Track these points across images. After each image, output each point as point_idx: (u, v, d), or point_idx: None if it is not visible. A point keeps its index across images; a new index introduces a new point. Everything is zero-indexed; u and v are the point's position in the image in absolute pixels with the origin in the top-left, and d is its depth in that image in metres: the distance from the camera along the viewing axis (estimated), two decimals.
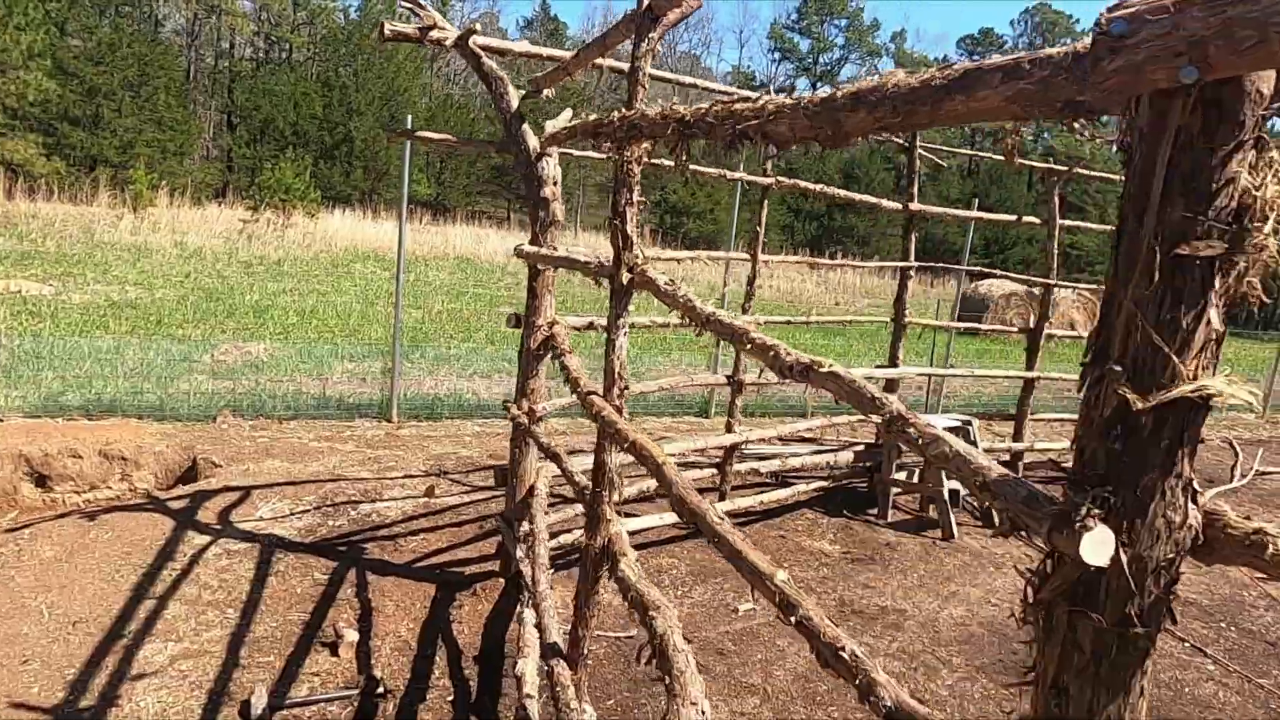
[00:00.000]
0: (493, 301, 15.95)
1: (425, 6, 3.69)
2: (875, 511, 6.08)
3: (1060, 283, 6.72)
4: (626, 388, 2.38)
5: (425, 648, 3.67)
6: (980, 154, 7.64)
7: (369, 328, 11.79)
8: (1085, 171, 6.92)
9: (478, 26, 3.64)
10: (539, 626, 2.64)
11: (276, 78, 35.59)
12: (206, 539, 4.49)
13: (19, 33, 18.00)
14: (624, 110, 2.30)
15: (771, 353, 1.59)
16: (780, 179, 5.19)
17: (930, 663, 3.99)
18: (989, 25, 58.86)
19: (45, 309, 10.43)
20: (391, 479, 5.75)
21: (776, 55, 54.71)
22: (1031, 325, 6.89)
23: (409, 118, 6.97)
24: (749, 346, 1.68)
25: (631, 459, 2.18)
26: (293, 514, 4.95)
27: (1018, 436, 6.98)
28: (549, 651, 2.47)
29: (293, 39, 41.53)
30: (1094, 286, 7.56)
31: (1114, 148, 0.99)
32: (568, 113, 4.08)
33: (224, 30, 40.67)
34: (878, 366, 6.43)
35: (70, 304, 11.08)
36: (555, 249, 3.80)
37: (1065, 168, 6.54)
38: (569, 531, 4.52)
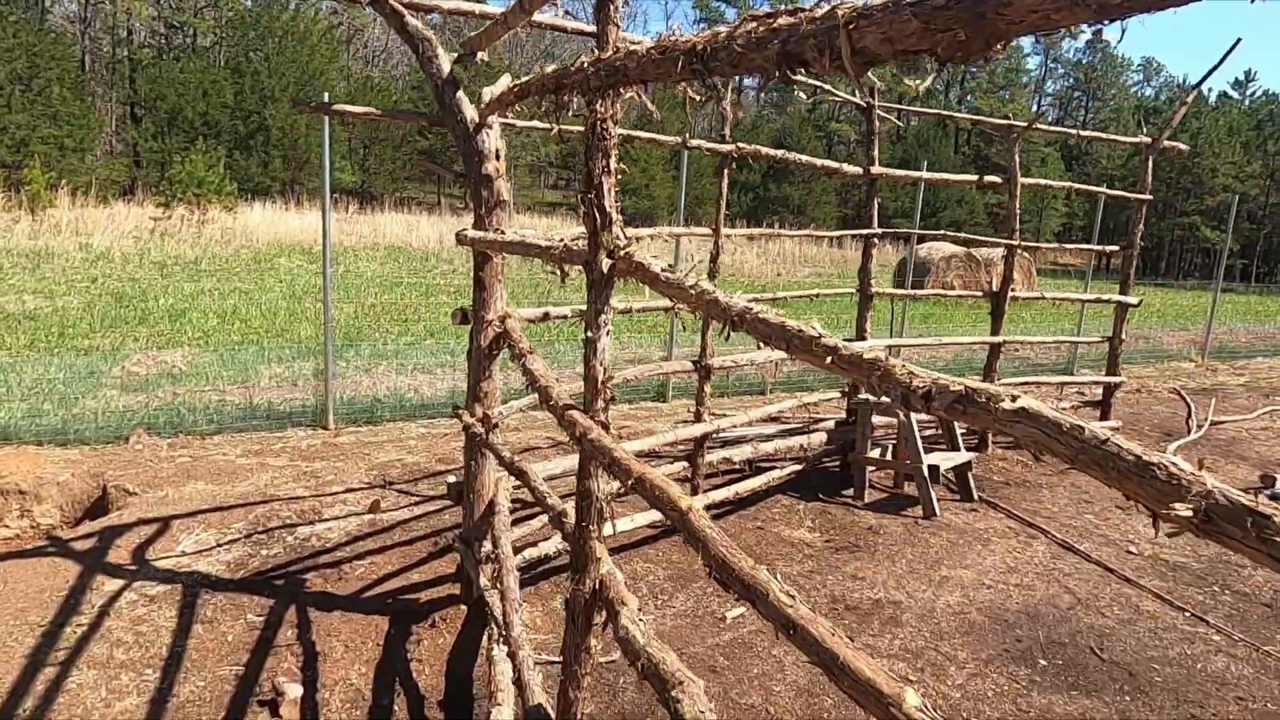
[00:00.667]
0: (429, 291, 15.26)
1: None
2: (851, 493, 5.81)
3: (1024, 243, 6.50)
4: (612, 398, 1.97)
5: (381, 696, 3.22)
6: (953, 114, 7.34)
7: (298, 326, 11.06)
8: (1045, 128, 6.69)
9: None
10: (518, 683, 2.21)
11: (181, 65, 33.60)
12: (119, 583, 3.93)
13: None
14: (595, 55, 1.86)
15: (827, 352, 1.20)
16: (740, 145, 4.78)
17: (936, 660, 3.71)
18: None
19: None
20: (331, 495, 5.22)
21: (704, 25, 54.29)
22: (995, 289, 6.68)
23: (325, 96, 6.32)
24: (799, 345, 1.28)
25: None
26: (220, 545, 4.41)
27: None
28: (534, 717, 2.05)
29: (196, 23, 39.31)
30: (1052, 245, 7.38)
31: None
32: (506, 78, 3.60)
33: (120, 16, 38.22)
34: (846, 339, 6.11)
35: None
36: (503, 232, 3.33)
37: (1024, 124, 6.29)
38: (534, 544, 4.10)
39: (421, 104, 37.76)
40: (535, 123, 4.45)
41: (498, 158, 3.33)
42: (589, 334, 1.96)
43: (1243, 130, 41.32)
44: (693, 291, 1.63)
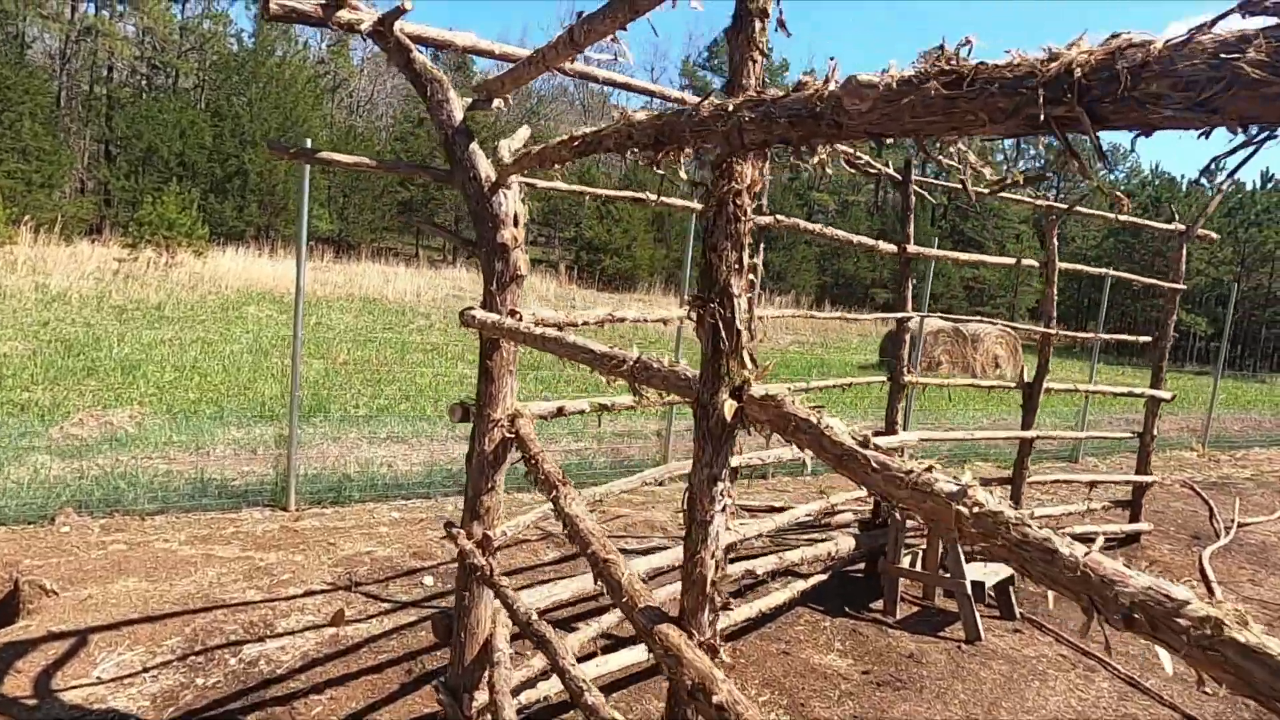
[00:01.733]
0: (404, 348, 14.55)
1: None
2: (880, 605, 5.16)
3: (1060, 332, 6.03)
4: (725, 605, 1.33)
5: None
6: (977, 189, 6.96)
7: (262, 384, 10.28)
8: (1088, 211, 6.29)
9: (409, 4, 2.56)
10: None
11: (161, 105, 33.09)
12: None
13: None
14: (726, 94, 1.28)
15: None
16: (779, 217, 4.27)
17: None
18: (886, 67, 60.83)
19: None
20: (288, 599, 4.46)
21: (689, 93, 55.11)
22: (1026, 377, 6.18)
23: (308, 142, 5.74)
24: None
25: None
26: (147, 670, 3.63)
27: (1016, 501, 6.22)
28: None
29: (179, 64, 38.98)
30: (1087, 335, 6.93)
31: None
32: (524, 130, 3.05)
33: (102, 55, 37.77)
34: (876, 433, 5.55)
35: None
36: (518, 314, 2.72)
37: (1064, 207, 5.89)
38: (533, 685, 3.38)
39: (405, 156, 37.51)
40: (558, 184, 3.88)
41: (517, 224, 2.74)
42: (695, 509, 1.33)
43: (1214, 217, 42.42)
44: (860, 457, 1.02)
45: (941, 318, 13.11)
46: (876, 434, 5.55)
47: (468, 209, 2.78)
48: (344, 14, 2.59)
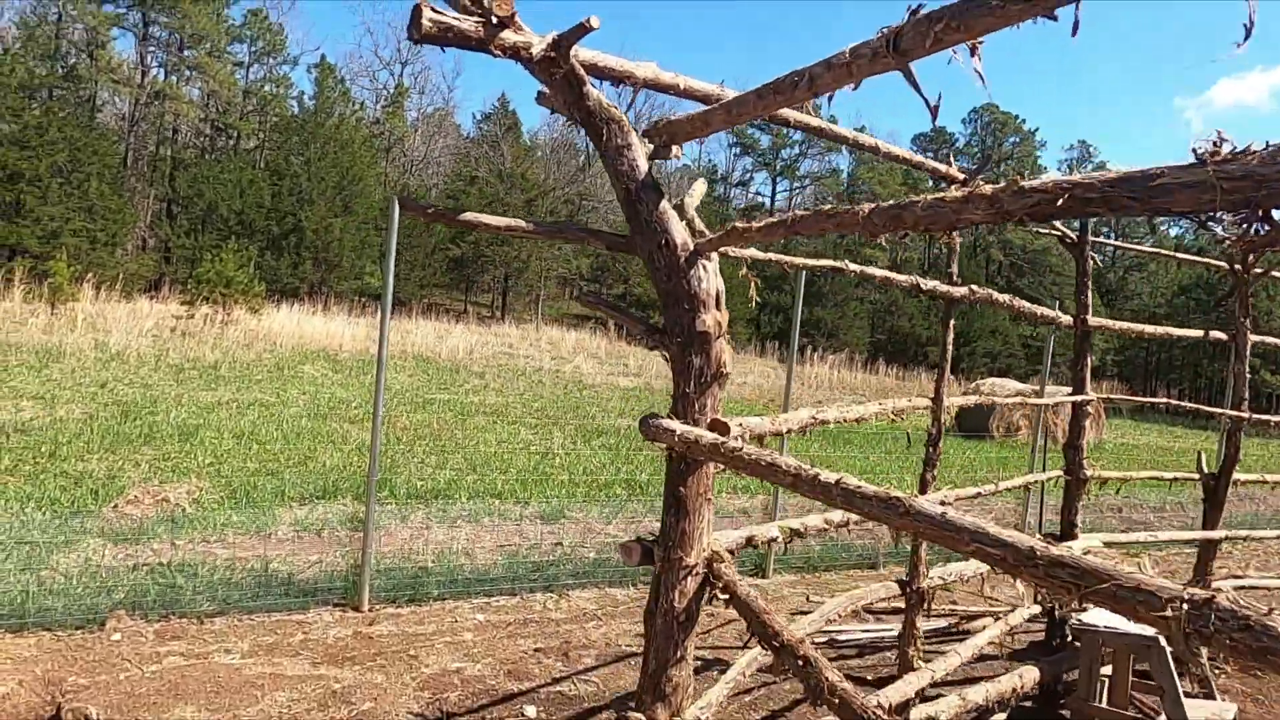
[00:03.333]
0: (464, 411, 13.98)
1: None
2: None
3: (1254, 416, 5.16)
4: None
5: None
6: (1159, 252, 6.11)
7: (322, 451, 9.73)
8: None
9: (594, 21, 1.94)
10: None
11: (223, 165, 33.84)
12: None
13: None
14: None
15: None
16: (974, 287, 3.57)
17: None
18: (941, 124, 60.87)
19: None
20: None
21: (737, 149, 55.28)
22: (1211, 469, 5.29)
23: (400, 202, 5.19)
24: None
25: None
26: None
27: None
28: None
29: (241, 126, 40.06)
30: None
31: None
32: (701, 184, 2.40)
33: (168, 117, 39.00)
34: (1046, 536, 4.70)
35: None
36: (724, 424, 2.01)
37: (1262, 270, 5.08)
38: None
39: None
40: (756, 252, 3.19)
41: (719, 305, 2.06)
42: None
43: None
44: None
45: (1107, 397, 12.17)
46: (1050, 537, 4.72)
47: (658, 285, 2.11)
48: (509, 36, 1.98)
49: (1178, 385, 45.15)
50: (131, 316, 20.89)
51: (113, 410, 10.64)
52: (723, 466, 2.09)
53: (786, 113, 2.29)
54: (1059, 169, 56.15)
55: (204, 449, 9.11)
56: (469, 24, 1.95)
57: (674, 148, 2.39)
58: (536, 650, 4.94)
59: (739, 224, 1.91)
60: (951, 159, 3.43)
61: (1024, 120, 53.81)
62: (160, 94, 38.41)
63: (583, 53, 2.14)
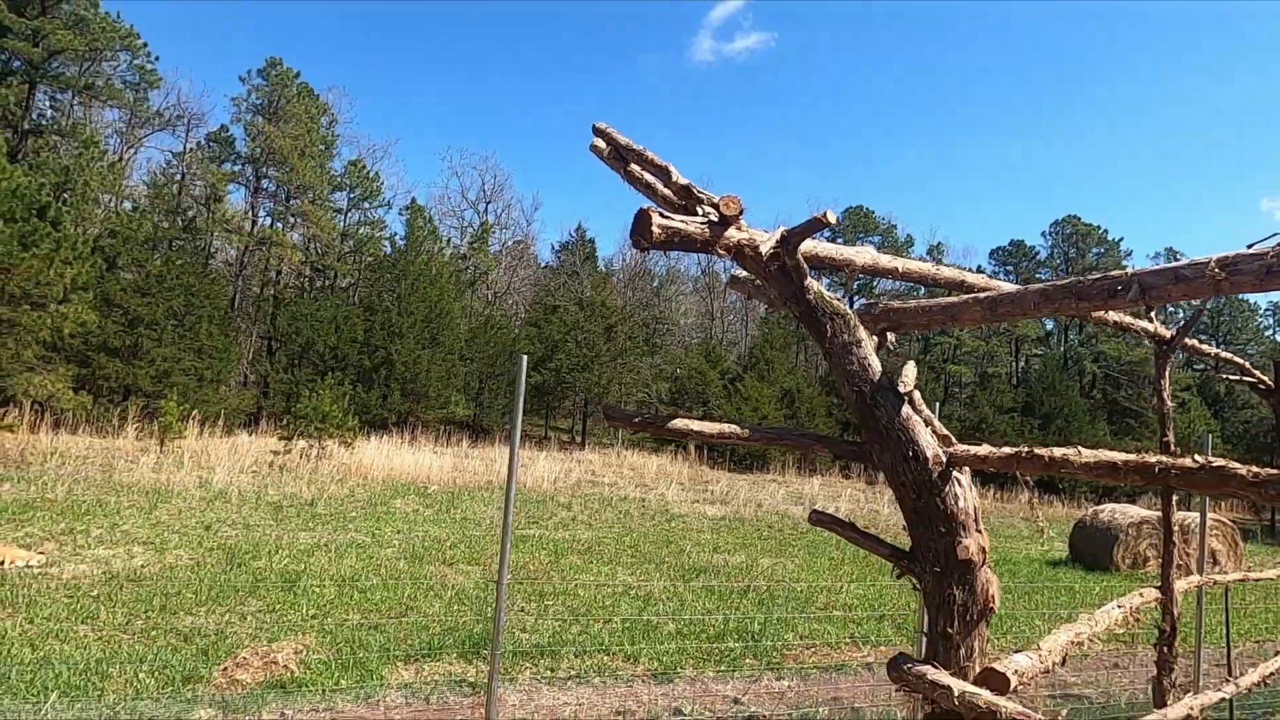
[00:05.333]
0: (557, 550, 13.63)
1: (708, 196, 1.84)
2: None
3: None
4: None
5: None
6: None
7: (422, 599, 9.47)
8: None
9: (831, 217, 1.75)
10: None
11: (320, 303, 35.71)
12: None
13: (65, 266, 17.36)
14: None
15: None
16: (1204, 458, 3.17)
17: None
18: (1019, 237, 60.24)
19: (22, 592, 8.29)
20: None
21: (815, 271, 55.73)
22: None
23: (524, 355, 5.20)
24: None
25: None
26: None
27: None
28: None
29: (338, 266, 42.49)
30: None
31: None
32: (912, 367, 2.14)
33: (273, 261, 41.73)
34: None
35: (59, 579, 8.96)
36: (1003, 678, 1.66)
37: None
38: None
39: (539, 342, 38.75)
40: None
41: (979, 525, 1.74)
42: None
43: None
44: None
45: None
46: None
47: (908, 502, 1.82)
48: (733, 234, 1.82)
49: None
50: (232, 452, 21.58)
51: (218, 555, 10.70)
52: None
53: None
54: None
55: (307, 599, 8.96)
56: (694, 226, 1.80)
57: (891, 336, 2.17)
58: None
59: (1040, 451, 1.64)
60: (1153, 314, 3.12)
61: (1106, 231, 52.87)
62: (266, 240, 41.29)
63: (810, 244, 1.97)
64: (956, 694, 1.65)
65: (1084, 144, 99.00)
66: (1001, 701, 1.59)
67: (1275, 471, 1.25)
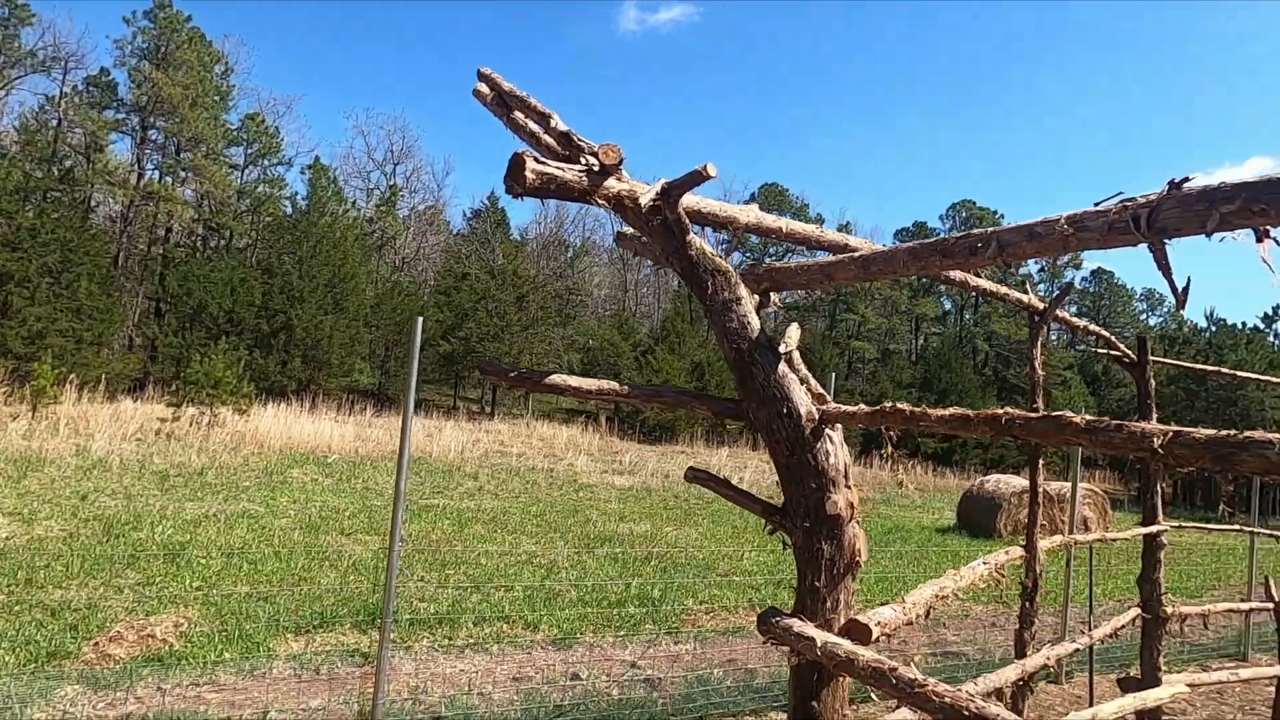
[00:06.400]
0: (461, 519, 13.46)
1: (589, 144, 1.79)
2: None
3: None
4: None
5: None
6: (1220, 371, 5.92)
7: (317, 570, 9.20)
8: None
9: (712, 170, 1.73)
10: None
11: (214, 264, 33.90)
12: None
13: None
14: None
15: None
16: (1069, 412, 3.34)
17: None
18: (921, 219, 62.50)
19: None
20: None
21: (725, 245, 56.37)
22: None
23: (420, 317, 5.00)
24: None
25: None
26: None
27: None
28: None
29: (234, 226, 40.38)
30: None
31: None
32: (795, 329, 2.16)
33: (161, 217, 39.30)
34: (1125, 680, 4.33)
35: None
36: (864, 627, 1.70)
37: None
38: None
39: (449, 311, 37.89)
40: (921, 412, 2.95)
41: (848, 481, 1.77)
42: None
43: None
44: None
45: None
46: (1133, 680, 4.34)
47: (780, 457, 1.83)
48: (613, 184, 1.77)
49: (1174, 474, 44.95)
50: (115, 419, 20.37)
51: (94, 527, 10.10)
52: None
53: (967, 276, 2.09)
54: (1037, 261, 57.41)
55: (191, 571, 8.56)
56: (572, 174, 1.74)
57: (774, 296, 2.17)
58: None
59: (902, 406, 1.67)
60: (1028, 286, 3.24)
61: (1002, 215, 55.33)
62: (154, 195, 38.78)
63: (693, 199, 1.94)
64: (819, 645, 1.68)
65: (986, 133, 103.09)
66: (860, 650, 1.63)
67: (1102, 419, 1.30)
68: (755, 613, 9.33)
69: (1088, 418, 1.29)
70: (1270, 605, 5.02)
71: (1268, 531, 5.66)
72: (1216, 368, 5.07)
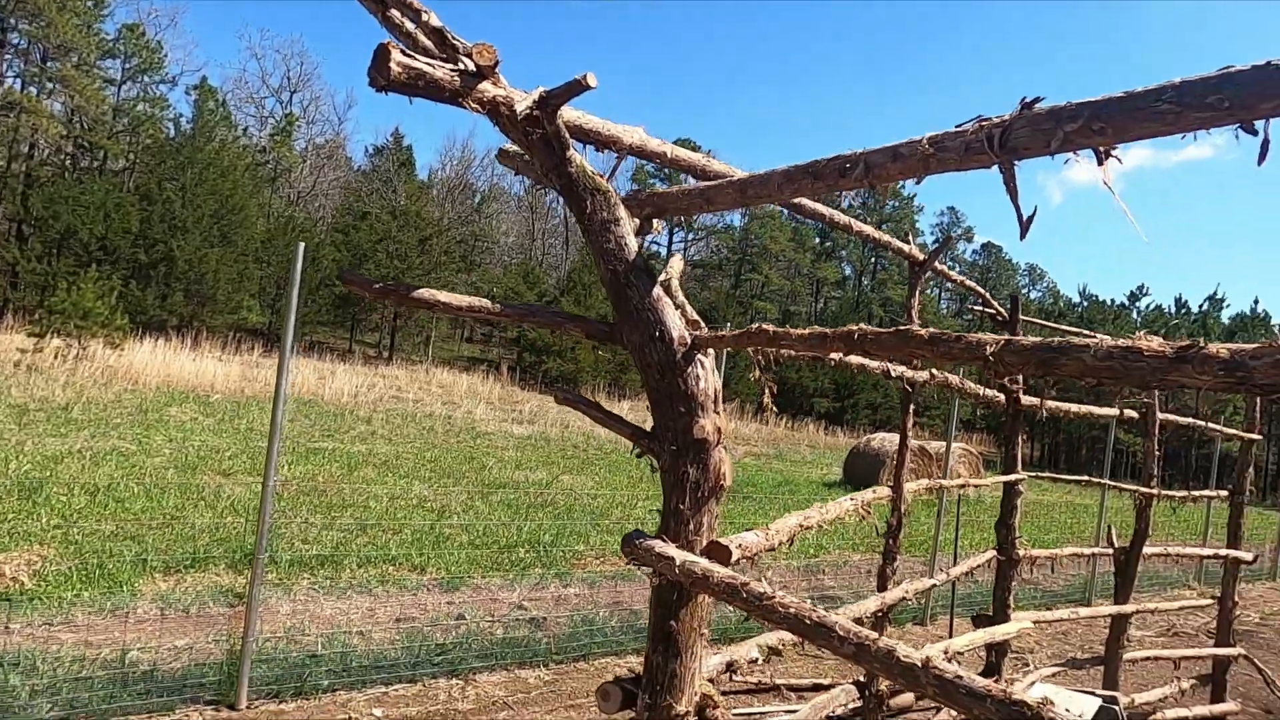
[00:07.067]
0: (351, 463, 13.11)
1: (464, 44, 1.70)
2: None
3: (1163, 491, 5.32)
4: None
5: None
6: (1081, 332, 6.22)
7: (191, 510, 8.79)
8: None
9: (592, 79, 1.67)
10: None
11: (86, 186, 31.34)
12: None
13: None
14: None
15: None
16: (933, 371, 3.45)
17: None
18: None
19: None
20: None
21: (635, 187, 56.10)
22: (1120, 542, 5.42)
23: (302, 243, 4.70)
24: None
25: None
26: None
27: (1113, 684, 5.35)
28: None
29: (109, 146, 37.36)
30: (1183, 494, 6.21)
31: None
32: (678, 260, 2.16)
33: (24, 131, 35.92)
34: (978, 617, 4.64)
35: None
36: (724, 548, 1.73)
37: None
38: None
39: (347, 251, 36.34)
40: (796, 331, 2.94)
41: (717, 407, 1.79)
42: None
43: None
44: None
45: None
46: (984, 618, 4.65)
47: (648, 381, 1.82)
48: (488, 89, 1.69)
49: (1040, 440, 48.22)
50: None
51: None
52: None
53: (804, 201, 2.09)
54: (931, 232, 59.87)
55: (50, 508, 8.03)
56: (442, 72, 1.64)
57: (655, 223, 2.14)
58: None
59: (767, 326, 1.67)
60: (910, 237, 3.34)
61: (903, 186, 57.01)
62: (15, 105, 35.35)
63: (566, 111, 1.86)
64: (678, 564, 1.70)
65: (898, 105, 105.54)
66: (715, 568, 1.66)
67: (944, 332, 1.34)
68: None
69: (931, 330, 1.33)
70: (1110, 551, 5.46)
71: (1113, 483, 6.13)
72: (1078, 329, 5.40)
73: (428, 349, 40.05)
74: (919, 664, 1.20)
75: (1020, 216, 1.22)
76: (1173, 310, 49.68)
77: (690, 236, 60.01)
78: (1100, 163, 1.13)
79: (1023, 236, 1.23)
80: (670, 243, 59.92)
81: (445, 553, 8.49)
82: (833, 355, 2.79)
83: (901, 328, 1.39)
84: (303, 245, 4.45)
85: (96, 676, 4.68)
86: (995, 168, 1.23)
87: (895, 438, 20.14)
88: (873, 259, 54.83)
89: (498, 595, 7.49)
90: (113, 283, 23.12)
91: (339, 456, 13.57)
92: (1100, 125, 1.08)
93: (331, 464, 12.78)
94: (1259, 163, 0.96)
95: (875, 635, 1.28)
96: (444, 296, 1.90)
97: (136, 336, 23.60)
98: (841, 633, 1.31)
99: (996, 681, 4.76)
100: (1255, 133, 0.96)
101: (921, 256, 3.34)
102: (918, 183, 1.42)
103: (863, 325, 1.48)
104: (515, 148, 2.21)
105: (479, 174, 61.35)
